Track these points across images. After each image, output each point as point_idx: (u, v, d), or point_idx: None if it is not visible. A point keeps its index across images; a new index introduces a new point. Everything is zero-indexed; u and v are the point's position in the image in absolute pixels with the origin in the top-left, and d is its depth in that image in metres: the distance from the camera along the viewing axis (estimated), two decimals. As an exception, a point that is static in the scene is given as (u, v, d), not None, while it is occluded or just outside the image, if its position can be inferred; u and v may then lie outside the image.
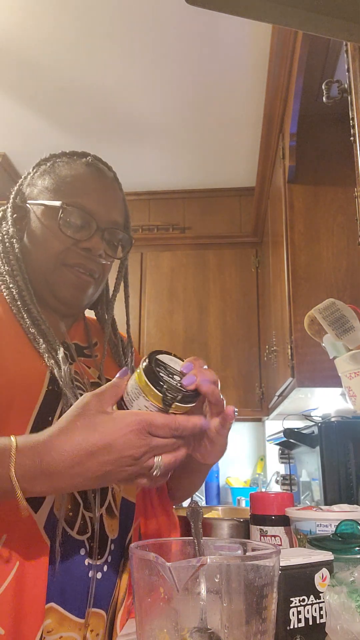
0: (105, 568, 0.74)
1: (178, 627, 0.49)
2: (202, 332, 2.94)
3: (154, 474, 0.60)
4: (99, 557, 0.73)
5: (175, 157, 2.95)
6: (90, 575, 0.71)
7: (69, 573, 0.69)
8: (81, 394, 0.75)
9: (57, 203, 0.82)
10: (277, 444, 2.26)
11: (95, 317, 0.98)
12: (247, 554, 0.57)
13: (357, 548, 0.73)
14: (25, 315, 0.78)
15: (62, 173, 0.86)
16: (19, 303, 0.79)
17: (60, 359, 0.75)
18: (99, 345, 0.93)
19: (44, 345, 0.76)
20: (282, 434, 1.99)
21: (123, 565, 0.78)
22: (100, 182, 0.87)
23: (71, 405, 0.68)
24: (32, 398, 0.72)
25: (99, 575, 0.72)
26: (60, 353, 0.76)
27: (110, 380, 0.83)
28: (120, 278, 0.97)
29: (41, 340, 0.76)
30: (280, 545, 0.98)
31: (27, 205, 0.86)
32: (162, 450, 0.60)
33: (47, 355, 0.75)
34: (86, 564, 0.71)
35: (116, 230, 0.87)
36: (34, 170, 0.90)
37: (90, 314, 0.98)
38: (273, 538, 0.98)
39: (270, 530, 0.99)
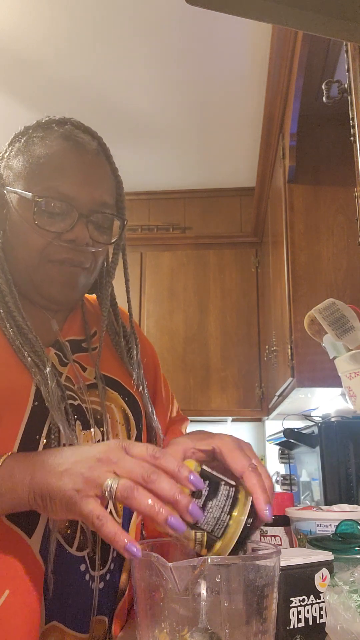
0: (108, 577, 0.72)
1: (178, 627, 0.50)
2: (202, 332, 2.94)
3: (105, 494, 0.51)
4: (101, 567, 0.70)
5: (175, 157, 2.95)
6: (92, 586, 0.69)
7: (69, 590, 0.66)
8: (72, 405, 0.71)
9: (29, 195, 0.72)
10: (277, 444, 2.26)
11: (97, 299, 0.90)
12: (248, 554, 0.57)
13: (357, 548, 0.73)
14: (8, 324, 0.71)
15: (36, 152, 0.75)
16: (1, 311, 0.72)
17: (47, 373, 0.69)
18: (98, 334, 0.85)
19: (29, 359, 0.69)
20: (282, 434, 1.99)
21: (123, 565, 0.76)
22: (79, 159, 0.75)
23: (59, 425, 0.66)
24: (17, 415, 0.67)
25: (101, 585, 0.70)
26: (48, 367, 0.70)
27: (108, 377, 0.80)
28: (115, 262, 0.85)
29: (26, 352, 0.70)
30: (281, 545, 0.98)
31: (5, 191, 0.76)
32: (124, 471, 0.52)
33: (33, 369, 0.69)
34: (87, 578, 0.68)
35: (104, 212, 0.76)
36: (9, 149, 0.78)
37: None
38: (273, 538, 0.98)
39: (270, 530, 0.99)
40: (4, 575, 0.63)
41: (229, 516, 0.54)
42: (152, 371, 0.95)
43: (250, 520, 0.54)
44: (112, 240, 0.80)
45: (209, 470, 0.58)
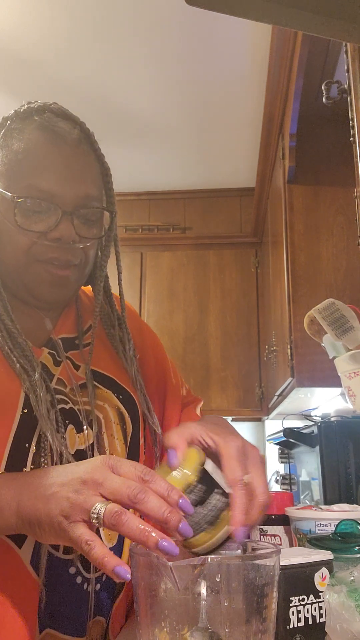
0: (104, 578, 0.70)
1: (178, 626, 0.50)
2: (202, 332, 2.94)
3: (93, 519, 0.49)
4: (97, 569, 0.69)
5: (175, 157, 2.95)
6: (87, 589, 0.68)
7: (60, 595, 0.65)
8: (64, 410, 0.70)
9: (9, 195, 0.69)
10: (276, 444, 2.26)
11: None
12: (247, 553, 0.57)
13: (357, 547, 0.73)
14: (3, 343, 0.69)
15: (14, 147, 0.71)
16: None
17: (35, 380, 0.67)
18: (92, 329, 0.82)
19: (17, 365, 0.68)
20: (281, 433, 1.99)
21: None
22: (59, 152, 0.71)
23: (48, 433, 0.64)
24: (6, 423, 0.65)
25: (97, 586, 0.69)
26: (37, 372, 0.68)
27: (101, 374, 0.78)
28: (107, 254, 0.81)
29: (15, 358, 0.68)
30: (280, 544, 0.98)
31: None
32: (110, 492, 0.50)
33: (22, 376, 0.67)
34: (78, 581, 0.67)
35: (90, 206, 0.73)
36: None
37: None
38: (273, 537, 0.98)
39: (270, 529, 0.99)
40: None
41: (209, 526, 0.53)
42: (155, 360, 0.92)
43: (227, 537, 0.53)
44: (102, 234, 0.77)
45: (210, 471, 0.57)
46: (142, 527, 0.48)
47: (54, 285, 0.73)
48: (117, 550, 0.74)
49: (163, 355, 0.96)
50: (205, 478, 0.56)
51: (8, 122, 0.73)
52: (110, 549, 0.69)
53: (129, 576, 0.47)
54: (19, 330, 0.71)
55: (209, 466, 0.58)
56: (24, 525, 0.54)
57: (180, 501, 0.50)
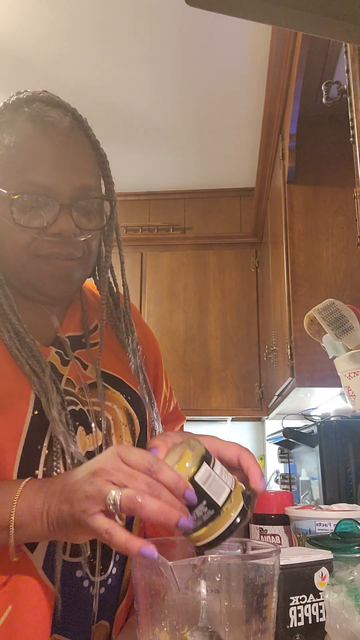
0: (109, 581, 0.70)
1: (179, 625, 0.50)
2: (202, 332, 2.94)
3: (110, 507, 0.49)
4: (103, 572, 0.69)
5: (176, 157, 2.95)
6: (92, 592, 0.67)
7: (67, 599, 0.65)
8: (73, 411, 0.69)
9: (4, 192, 0.67)
10: (276, 444, 2.27)
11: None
12: (247, 553, 0.57)
13: (357, 547, 0.73)
14: (4, 328, 0.68)
15: (5, 141, 0.69)
16: None
17: (46, 382, 0.66)
18: (99, 329, 0.81)
19: (27, 367, 0.67)
20: (281, 433, 1.99)
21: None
22: (51, 143, 0.68)
23: (61, 437, 0.64)
24: (17, 425, 0.65)
25: (102, 590, 0.69)
26: (47, 374, 0.67)
27: (109, 374, 0.77)
28: (109, 244, 0.79)
29: (23, 359, 0.67)
30: (280, 544, 0.98)
31: None
32: (126, 481, 0.50)
33: (32, 378, 0.66)
34: (85, 585, 0.67)
35: (88, 197, 0.70)
36: None
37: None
38: (273, 537, 0.99)
39: (270, 529, 0.99)
40: (6, 591, 0.62)
41: (211, 520, 0.53)
42: (152, 364, 0.92)
43: (238, 520, 0.54)
44: (103, 224, 0.75)
45: (211, 466, 0.57)
46: (160, 506, 0.48)
47: (58, 279, 0.71)
48: (124, 555, 0.73)
49: (160, 361, 0.95)
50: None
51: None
52: (116, 552, 0.69)
53: (156, 554, 0.48)
54: (27, 330, 0.70)
55: (212, 463, 0.58)
56: (56, 531, 0.55)
57: (187, 493, 0.51)
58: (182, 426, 0.99)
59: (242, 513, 0.54)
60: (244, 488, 0.56)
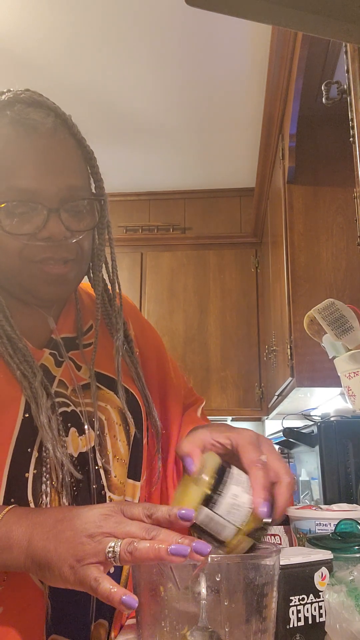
0: None
1: (179, 625, 0.50)
2: (202, 332, 2.94)
3: (109, 557, 0.50)
4: None
5: (176, 157, 2.95)
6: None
7: (65, 601, 0.64)
8: (65, 412, 0.69)
9: None
10: (276, 444, 2.26)
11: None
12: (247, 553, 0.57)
13: (357, 547, 0.73)
14: (3, 348, 0.68)
15: None
16: None
17: (37, 388, 0.66)
18: (94, 329, 0.80)
19: (18, 373, 0.66)
20: (281, 433, 1.99)
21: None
22: (33, 145, 0.67)
23: (49, 445, 0.64)
24: (8, 428, 0.64)
25: None
26: (37, 379, 0.67)
27: (103, 375, 0.76)
28: (102, 242, 0.78)
29: (15, 365, 0.67)
30: (280, 544, 0.98)
31: None
32: (124, 534, 0.51)
33: (23, 383, 0.66)
34: None
35: (76, 199, 0.69)
36: None
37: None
38: (273, 537, 0.99)
39: (270, 529, 0.99)
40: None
41: (237, 526, 0.54)
42: (154, 360, 0.91)
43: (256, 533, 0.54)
44: (95, 223, 0.74)
45: (232, 473, 0.58)
46: (151, 544, 0.49)
47: (53, 284, 0.70)
48: (117, 572, 0.73)
49: (164, 353, 0.94)
50: (223, 480, 0.56)
51: None
52: (111, 573, 0.69)
53: (136, 604, 0.48)
54: (19, 336, 0.69)
55: (232, 470, 0.58)
56: (32, 566, 0.54)
57: (179, 513, 0.51)
58: (202, 408, 0.97)
59: (251, 549, 0.54)
60: (260, 520, 0.55)
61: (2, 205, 0.65)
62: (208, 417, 0.96)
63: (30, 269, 0.69)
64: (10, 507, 0.58)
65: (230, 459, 0.62)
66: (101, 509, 0.54)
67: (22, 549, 0.54)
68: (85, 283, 0.84)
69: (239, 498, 0.55)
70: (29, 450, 0.65)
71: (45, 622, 0.63)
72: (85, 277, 0.81)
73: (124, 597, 0.48)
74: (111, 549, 0.50)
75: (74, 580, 0.51)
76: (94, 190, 0.75)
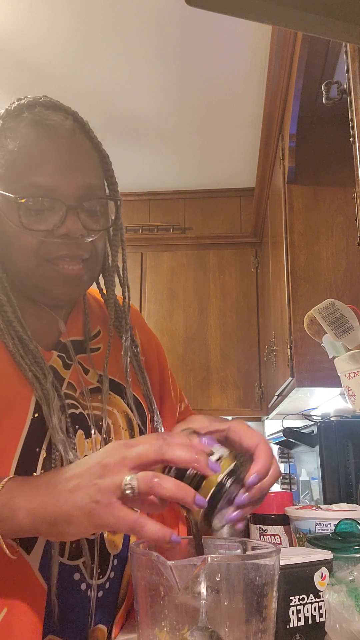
0: (107, 585, 0.69)
1: (178, 625, 0.50)
2: (202, 332, 2.94)
3: (127, 492, 0.50)
4: (101, 576, 0.68)
5: (176, 157, 2.95)
6: (89, 595, 0.67)
7: (64, 601, 0.65)
8: (74, 414, 0.69)
9: (11, 197, 0.67)
10: (276, 444, 2.26)
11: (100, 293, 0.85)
12: (247, 553, 0.57)
13: (357, 547, 0.73)
14: (8, 335, 0.69)
15: (9, 147, 0.69)
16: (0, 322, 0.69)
17: (48, 389, 0.67)
18: (102, 334, 0.81)
19: (30, 374, 0.67)
20: (281, 433, 1.99)
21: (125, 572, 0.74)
22: (54, 145, 0.69)
23: (60, 445, 0.64)
24: (17, 427, 0.65)
25: (100, 594, 0.68)
26: (49, 380, 0.67)
27: (111, 380, 0.77)
28: (116, 243, 0.79)
29: (26, 366, 0.68)
30: (280, 544, 0.98)
31: None
32: (135, 457, 0.51)
33: (35, 384, 0.67)
34: (83, 588, 0.66)
35: (93, 197, 0.71)
36: None
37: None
38: (273, 537, 0.99)
39: (270, 529, 0.99)
40: (2, 593, 0.61)
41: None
42: (156, 368, 0.92)
43: (228, 483, 0.54)
44: (109, 224, 0.75)
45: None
46: (177, 485, 0.49)
47: (67, 284, 0.71)
48: (123, 554, 0.73)
49: (166, 366, 0.95)
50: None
51: (0, 122, 0.72)
52: (114, 556, 0.70)
53: (180, 540, 0.50)
54: (30, 337, 0.70)
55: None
56: (42, 525, 0.53)
57: (202, 440, 0.53)
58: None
59: (230, 474, 0.55)
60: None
61: (23, 200, 0.67)
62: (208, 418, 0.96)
63: (44, 268, 0.70)
64: (11, 477, 0.58)
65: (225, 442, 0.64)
66: (102, 450, 0.54)
67: (28, 512, 0.53)
68: (93, 289, 0.84)
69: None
70: (37, 449, 0.65)
71: (43, 622, 0.63)
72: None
73: (173, 537, 0.49)
74: (128, 484, 0.49)
75: (99, 523, 0.50)
76: (118, 204, 0.77)
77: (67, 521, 0.52)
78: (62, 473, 0.55)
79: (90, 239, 0.71)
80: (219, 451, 0.56)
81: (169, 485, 0.49)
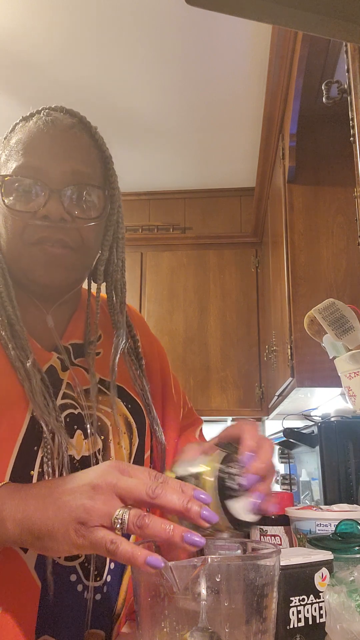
0: (105, 589, 0.68)
1: (178, 626, 0.50)
2: (202, 332, 2.94)
3: (117, 525, 0.48)
4: (98, 578, 0.67)
5: (176, 157, 2.95)
6: (86, 597, 0.66)
7: (60, 602, 0.64)
8: (72, 414, 0.69)
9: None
10: (277, 444, 2.26)
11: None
12: (247, 553, 0.57)
13: (357, 547, 0.73)
14: (3, 332, 0.69)
15: (13, 140, 0.73)
16: None
17: (29, 369, 0.66)
18: (102, 338, 0.81)
19: (23, 372, 0.66)
20: (282, 433, 1.99)
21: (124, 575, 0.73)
22: (49, 134, 0.71)
23: (42, 422, 0.64)
24: (16, 426, 0.64)
25: (97, 596, 0.67)
26: (29, 361, 0.67)
27: (109, 382, 0.76)
28: (109, 239, 0.78)
29: (11, 346, 0.67)
30: (280, 544, 0.98)
31: None
32: (126, 491, 0.50)
33: (17, 364, 0.66)
34: (79, 589, 0.66)
35: (81, 184, 0.71)
36: None
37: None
38: (273, 538, 0.98)
39: (270, 529, 0.99)
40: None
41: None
42: (159, 370, 0.91)
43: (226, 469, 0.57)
44: (100, 217, 0.74)
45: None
46: (166, 525, 0.48)
47: (49, 266, 0.70)
48: (118, 573, 0.72)
49: (168, 370, 0.95)
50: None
51: (14, 125, 0.77)
52: (109, 581, 0.69)
53: (162, 564, 0.47)
54: (18, 317, 0.70)
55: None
56: (29, 537, 0.52)
57: (194, 492, 0.51)
58: (201, 430, 0.97)
59: (224, 460, 0.58)
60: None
61: (7, 178, 0.69)
62: (208, 418, 0.96)
63: (29, 251, 0.70)
64: (4, 483, 0.57)
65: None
66: (97, 469, 0.53)
67: (16, 522, 0.52)
68: (102, 294, 0.83)
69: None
70: (35, 448, 0.65)
71: (36, 621, 0.63)
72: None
73: (148, 559, 0.47)
74: (119, 518, 0.48)
75: (84, 543, 0.49)
76: (107, 194, 0.76)
77: (50, 537, 0.51)
78: (54, 486, 0.54)
79: (73, 226, 0.70)
80: (203, 460, 0.58)
81: (156, 527, 0.48)
